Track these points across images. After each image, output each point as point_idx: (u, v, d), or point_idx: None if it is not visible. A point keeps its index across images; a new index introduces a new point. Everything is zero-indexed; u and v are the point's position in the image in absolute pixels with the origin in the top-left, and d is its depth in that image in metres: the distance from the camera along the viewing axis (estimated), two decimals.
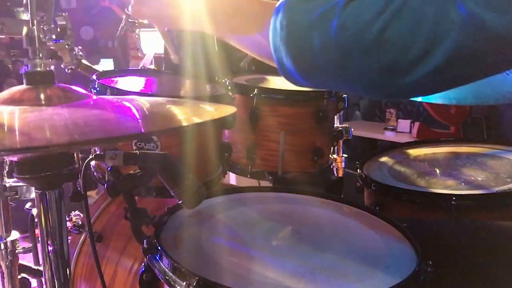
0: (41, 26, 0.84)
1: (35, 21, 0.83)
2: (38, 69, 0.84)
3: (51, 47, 0.88)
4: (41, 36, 0.84)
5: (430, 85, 0.60)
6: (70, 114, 0.75)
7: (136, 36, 2.88)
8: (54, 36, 1.17)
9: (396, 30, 0.56)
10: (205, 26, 0.79)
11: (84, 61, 1.88)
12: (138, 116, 0.79)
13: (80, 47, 1.87)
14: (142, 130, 0.71)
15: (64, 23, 1.26)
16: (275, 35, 0.67)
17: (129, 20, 2.61)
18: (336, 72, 0.64)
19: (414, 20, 0.55)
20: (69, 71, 1.87)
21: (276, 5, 0.67)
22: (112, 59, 4.85)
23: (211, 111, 0.90)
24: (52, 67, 0.88)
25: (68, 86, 0.84)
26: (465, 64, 0.56)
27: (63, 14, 1.25)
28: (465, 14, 0.51)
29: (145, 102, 0.89)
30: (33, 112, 0.73)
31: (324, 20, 0.61)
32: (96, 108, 0.83)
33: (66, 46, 1.35)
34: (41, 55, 0.84)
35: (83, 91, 0.86)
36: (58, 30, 1.25)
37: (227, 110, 0.87)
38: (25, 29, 0.83)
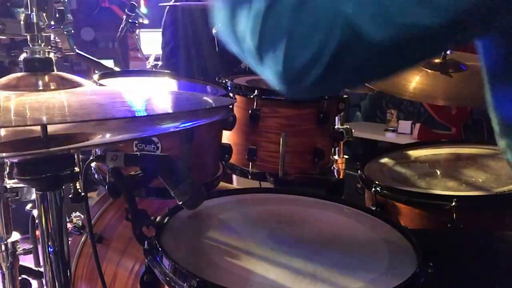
0: (40, 12, 0.82)
1: (34, 8, 0.81)
2: (37, 55, 0.82)
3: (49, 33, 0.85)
4: (40, 23, 0.82)
5: (318, 88, 0.58)
6: (66, 98, 0.74)
7: (136, 37, 2.88)
8: (52, 22, 1.14)
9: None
10: None
11: (77, 51, 1.84)
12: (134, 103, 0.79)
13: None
14: (136, 114, 0.70)
15: (63, 8, 1.22)
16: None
17: (129, 20, 2.62)
18: None
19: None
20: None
21: None
22: (112, 60, 4.86)
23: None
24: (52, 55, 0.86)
25: (66, 73, 0.83)
26: (348, 71, 0.54)
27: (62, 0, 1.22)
28: (345, 23, 0.50)
29: (143, 92, 0.88)
30: (30, 96, 0.73)
31: None
32: (93, 94, 0.82)
33: (65, 32, 1.32)
34: (40, 41, 0.82)
35: (81, 79, 0.85)
36: (57, 16, 1.21)
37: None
38: (23, 16, 0.81)
